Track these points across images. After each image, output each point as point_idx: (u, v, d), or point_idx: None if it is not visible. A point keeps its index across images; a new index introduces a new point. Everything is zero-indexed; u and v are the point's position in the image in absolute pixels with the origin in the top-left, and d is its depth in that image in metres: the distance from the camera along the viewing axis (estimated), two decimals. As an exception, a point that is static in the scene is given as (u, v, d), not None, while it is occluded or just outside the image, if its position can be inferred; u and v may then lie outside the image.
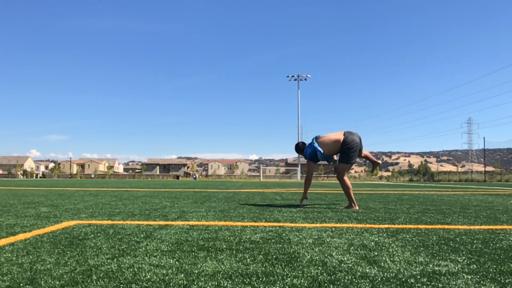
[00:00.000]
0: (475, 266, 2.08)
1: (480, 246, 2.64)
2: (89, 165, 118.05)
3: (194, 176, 74.84)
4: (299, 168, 62.88)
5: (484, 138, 61.30)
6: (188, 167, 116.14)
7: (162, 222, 3.65)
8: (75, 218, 3.95)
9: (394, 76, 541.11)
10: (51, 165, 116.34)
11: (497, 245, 2.69)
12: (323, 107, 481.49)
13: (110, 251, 2.35)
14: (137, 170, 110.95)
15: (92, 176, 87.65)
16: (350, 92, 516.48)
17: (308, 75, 61.67)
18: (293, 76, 61.58)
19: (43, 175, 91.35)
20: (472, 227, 3.59)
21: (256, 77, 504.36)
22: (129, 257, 2.20)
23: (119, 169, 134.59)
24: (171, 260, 2.13)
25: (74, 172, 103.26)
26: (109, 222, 3.67)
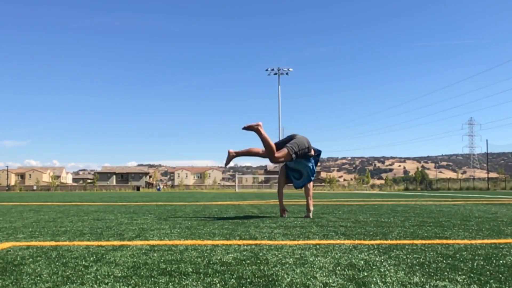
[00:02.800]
0: (476, 286, 2.12)
1: (482, 263, 2.69)
2: (30, 174, 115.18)
3: (158, 187, 74.12)
4: (279, 176, 63.02)
5: (487, 141, 63.30)
6: (150, 176, 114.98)
7: (116, 242, 3.58)
8: (11, 239, 3.82)
9: (386, 71, 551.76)
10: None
11: (501, 261, 2.75)
12: (307, 106, 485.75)
13: (51, 278, 2.28)
14: (89, 180, 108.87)
15: (34, 188, 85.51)
16: (338, 90, 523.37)
17: (290, 69, 62.12)
18: (272, 70, 61.87)
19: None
20: (473, 241, 3.67)
21: (230, 72, 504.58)
22: (74, 285, 2.14)
23: (67, 179, 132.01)
24: (126, 288, 2.08)
25: (12, 183, 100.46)
26: (52, 243, 3.57)
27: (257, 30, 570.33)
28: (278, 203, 8.34)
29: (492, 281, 2.23)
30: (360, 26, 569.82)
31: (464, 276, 2.32)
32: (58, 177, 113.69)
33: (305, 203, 6.45)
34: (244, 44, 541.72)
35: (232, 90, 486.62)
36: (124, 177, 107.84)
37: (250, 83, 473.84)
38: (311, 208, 6.17)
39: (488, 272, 2.42)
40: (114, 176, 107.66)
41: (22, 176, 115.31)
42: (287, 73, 62.20)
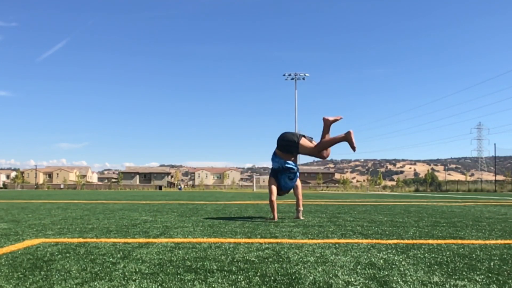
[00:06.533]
0: (495, 286, 2.06)
1: (498, 263, 2.63)
2: (57, 174, 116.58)
3: (179, 187, 74.47)
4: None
5: (495, 144, 62.32)
6: (172, 176, 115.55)
7: (142, 240, 3.57)
8: (40, 236, 3.84)
9: (398, 77, 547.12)
10: (13, 173, 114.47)
11: (518, 262, 2.67)
12: (322, 111, 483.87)
13: (80, 274, 2.27)
14: (114, 180, 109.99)
15: (62, 186, 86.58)
16: (351, 95, 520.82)
17: (307, 74, 61.96)
18: (289, 75, 61.80)
19: (4, 185, 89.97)
20: (487, 241, 3.59)
21: (249, 78, 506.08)
22: (103, 281, 2.12)
23: (93, 178, 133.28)
24: (153, 285, 2.05)
25: (41, 182, 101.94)
26: (80, 240, 3.57)
27: (275, 36, 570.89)
28: (294, 203, 8.25)
29: (510, 281, 2.17)
30: (372, 31, 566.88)
31: (482, 276, 2.26)
32: (84, 176, 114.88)
33: (296, 202, 5.67)
34: (263, 50, 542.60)
35: (250, 94, 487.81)
36: (147, 176, 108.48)
37: (267, 87, 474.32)
38: (301, 208, 5.62)
39: (505, 272, 2.36)
40: (138, 176, 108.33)
41: (49, 175, 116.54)
42: (303, 78, 62.05)
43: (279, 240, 3.56)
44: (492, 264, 2.59)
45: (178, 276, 2.23)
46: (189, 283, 2.08)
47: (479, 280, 2.17)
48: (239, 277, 2.22)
